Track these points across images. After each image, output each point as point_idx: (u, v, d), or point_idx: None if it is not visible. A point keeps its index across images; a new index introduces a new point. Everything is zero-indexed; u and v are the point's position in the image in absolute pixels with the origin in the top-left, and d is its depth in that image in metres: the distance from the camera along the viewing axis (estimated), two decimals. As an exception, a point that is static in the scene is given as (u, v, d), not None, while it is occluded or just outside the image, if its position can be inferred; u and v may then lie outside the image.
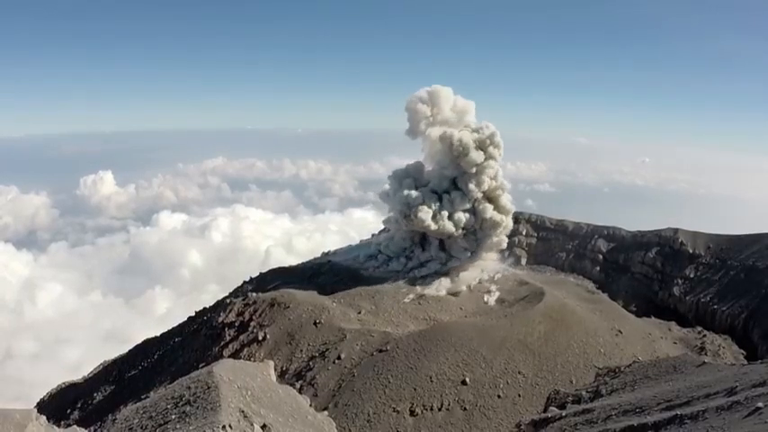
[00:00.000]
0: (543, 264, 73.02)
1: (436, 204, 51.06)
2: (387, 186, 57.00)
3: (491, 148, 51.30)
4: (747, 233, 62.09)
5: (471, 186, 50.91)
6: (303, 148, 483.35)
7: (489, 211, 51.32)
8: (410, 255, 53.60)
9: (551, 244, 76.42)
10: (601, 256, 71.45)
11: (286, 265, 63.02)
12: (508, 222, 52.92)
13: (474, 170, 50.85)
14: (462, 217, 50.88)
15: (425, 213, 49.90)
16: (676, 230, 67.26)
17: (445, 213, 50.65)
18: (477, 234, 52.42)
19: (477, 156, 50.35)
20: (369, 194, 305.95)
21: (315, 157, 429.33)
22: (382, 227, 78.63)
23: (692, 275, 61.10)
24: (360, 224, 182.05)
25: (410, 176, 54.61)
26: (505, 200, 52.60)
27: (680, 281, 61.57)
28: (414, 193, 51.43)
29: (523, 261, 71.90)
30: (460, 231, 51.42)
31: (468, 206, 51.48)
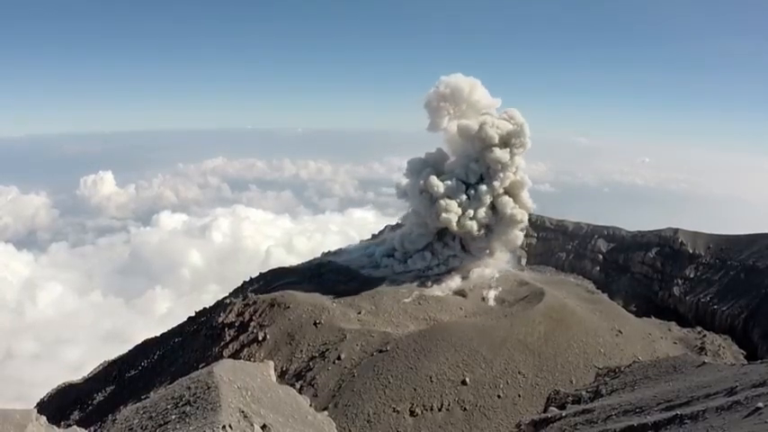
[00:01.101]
0: (543, 264, 73.03)
1: (463, 198, 48.82)
2: (402, 181, 54.74)
3: (516, 147, 49.10)
4: (747, 233, 62.10)
5: (496, 183, 49.11)
6: (303, 148, 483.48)
7: (510, 207, 49.41)
8: (433, 250, 51.63)
9: (551, 244, 76.44)
10: (601, 256, 71.47)
11: (286, 265, 63.03)
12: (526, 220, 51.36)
13: (499, 166, 49.00)
14: (483, 213, 49.10)
15: (451, 215, 48.15)
16: (676, 230, 67.29)
17: (470, 212, 48.70)
18: (493, 231, 50.76)
19: (503, 154, 48.34)
20: (369, 194, 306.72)
21: (315, 157, 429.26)
22: (382, 227, 78.62)
23: (692, 275, 61.11)
24: (360, 224, 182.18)
25: (429, 166, 52.03)
26: (526, 196, 50.89)
27: (680, 281, 61.58)
28: (436, 181, 48.69)
29: (523, 261, 71.92)
30: (482, 231, 50.05)
31: (489, 201, 49.54)
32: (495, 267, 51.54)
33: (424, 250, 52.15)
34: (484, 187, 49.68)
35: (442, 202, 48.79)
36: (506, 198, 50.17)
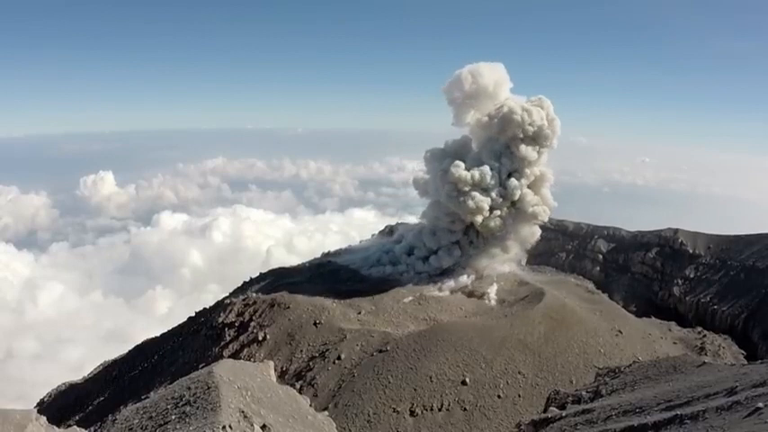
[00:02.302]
0: (543, 264, 73.03)
1: (493, 195, 46.29)
2: (419, 175, 52.77)
3: (544, 147, 47.07)
4: (747, 233, 62.18)
5: (523, 181, 47.40)
6: (303, 148, 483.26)
7: (533, 204, 47.40)
8: (462, 247, 49.63)
9: (551, 244, 76.48)
10: (601, 256, 71.55)
11: (287, 265, 63.01)
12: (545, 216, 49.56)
13: (525, 162, 47.11)
14: (506, 210, 47.29)
15: (481, 211, 46.03)
16: (676, 230, 67.36)
17: (497, 211, 46.74)
18: (510, 227, 49.04)
19: (530, 152, 46.36)
20: (369, 194, 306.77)
21: (315, 157, 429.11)
22: (382, 227, 78.56)
23: (692, 275, 61.20)
24: (360, 224, 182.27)
25: (450, 156, 49.31)
26: (548, 192, 49.17)
27: (680, 281, 61.66)
28: (465, 173, 45.89)
29: (523, 261, 71.96)
30: (504, 229, 48.51)
31: (517, 197, 47.27)
32: (509, 265, 50.88)
33: (451, 247, 50.06)
34: (515, 182, 47.35)
35: (470, 201, 46.55)
36: (531, 195, 48.25)
